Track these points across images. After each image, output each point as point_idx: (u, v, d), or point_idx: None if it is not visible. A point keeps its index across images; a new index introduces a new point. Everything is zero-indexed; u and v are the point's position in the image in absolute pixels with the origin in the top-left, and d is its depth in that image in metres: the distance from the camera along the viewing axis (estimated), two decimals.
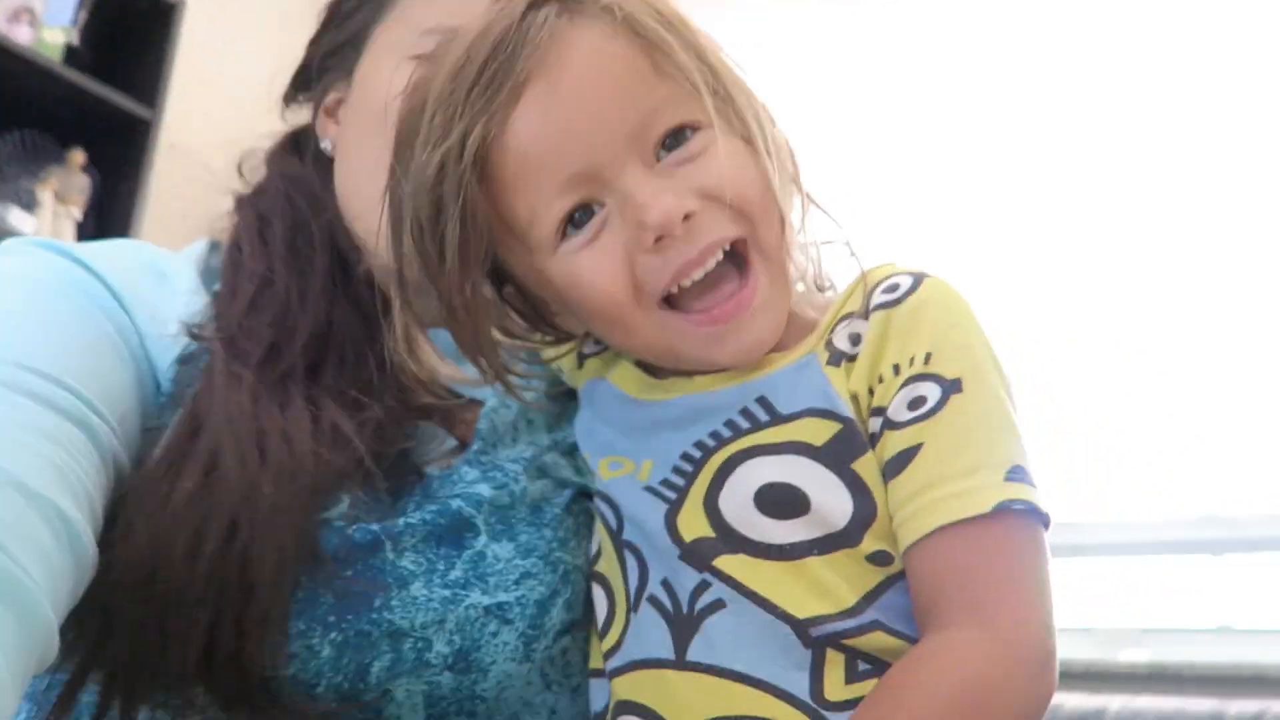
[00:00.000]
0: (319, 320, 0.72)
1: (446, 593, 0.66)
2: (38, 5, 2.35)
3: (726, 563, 0.61)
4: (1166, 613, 2.31)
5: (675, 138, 0.61)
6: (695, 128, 0.61)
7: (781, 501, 0.60)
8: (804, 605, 0.59)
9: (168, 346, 0.69)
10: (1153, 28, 2.34)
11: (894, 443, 0.59)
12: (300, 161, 0.82)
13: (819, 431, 0.61)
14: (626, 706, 0.63)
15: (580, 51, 0.59)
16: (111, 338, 0.66)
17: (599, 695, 0.68)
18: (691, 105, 0.61)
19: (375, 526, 0.65)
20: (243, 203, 0.80)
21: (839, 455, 0.60)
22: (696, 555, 0.62)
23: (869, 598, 0.59)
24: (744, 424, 0.63)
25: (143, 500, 0.61)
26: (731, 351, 0.63)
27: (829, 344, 0.63)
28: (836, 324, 0.64)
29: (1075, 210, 2.39)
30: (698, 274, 0.61)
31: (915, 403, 0.59)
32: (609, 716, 0.65)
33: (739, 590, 0.60)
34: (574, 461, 0.78)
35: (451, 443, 0.75)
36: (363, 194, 0.74)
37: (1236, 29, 2.26)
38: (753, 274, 0.62)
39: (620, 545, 0.67)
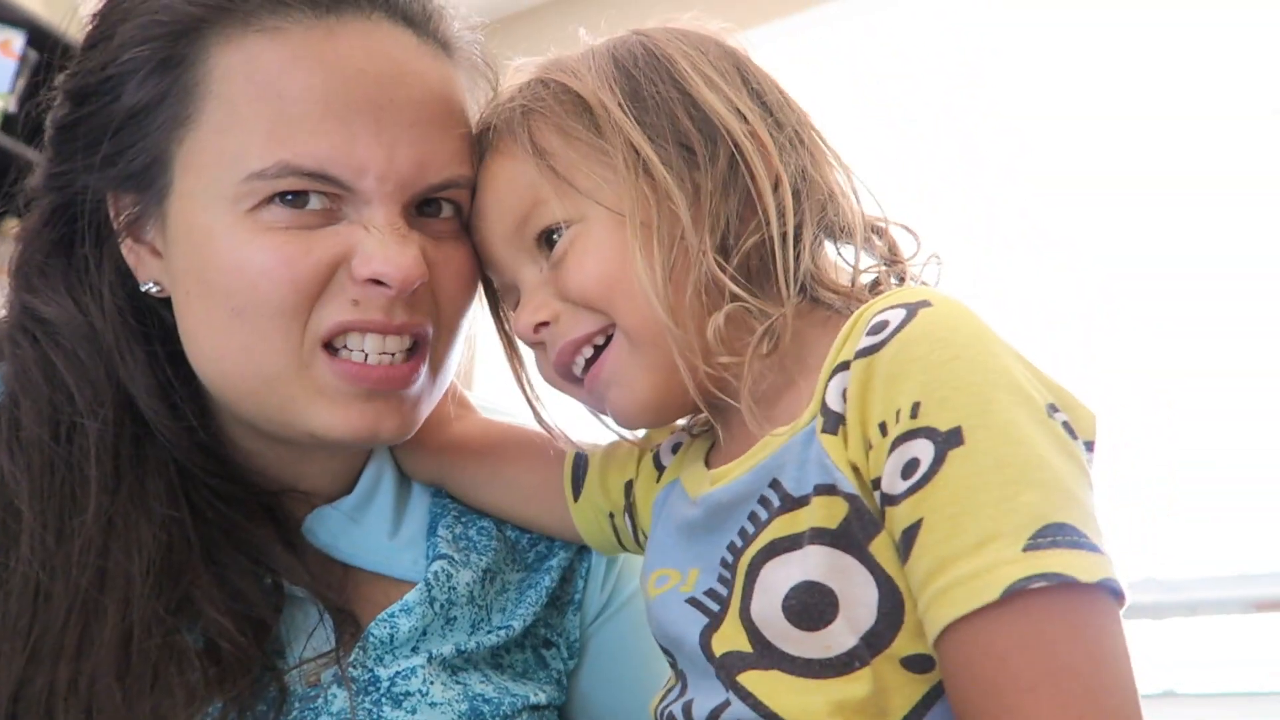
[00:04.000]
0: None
1: None
2: None
3: (753, 679, 0.54)
4: None
5: (547, 240, 0.62)
6: (560, 228, 0.61)
7: (812, 607, 0.52)
8: None
9: None
10: None
11: (896, 521, 0.50)
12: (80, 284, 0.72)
13: (832, 512, 0.52)
14: None
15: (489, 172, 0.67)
16: None
17: None
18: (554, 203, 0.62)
19: None
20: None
21: (855, 538, 0.52)
22: (724, 669, 0.55)
23: (912, 717, 0.51)
24: (763, 514, 0.56)
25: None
26: (614, 412, 0.64)
27: (824, 405, 0.54)
28: (831, 377, 0.54)
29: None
30: (576, 365, 0.63)
31: (908, 468, 0.49)
32: None
33: (759, 711, 0.53)
34: (518, 663, 0.71)
35: (321, 639, 0.65)
36: (227, 364, 0.67)
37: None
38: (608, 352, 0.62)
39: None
